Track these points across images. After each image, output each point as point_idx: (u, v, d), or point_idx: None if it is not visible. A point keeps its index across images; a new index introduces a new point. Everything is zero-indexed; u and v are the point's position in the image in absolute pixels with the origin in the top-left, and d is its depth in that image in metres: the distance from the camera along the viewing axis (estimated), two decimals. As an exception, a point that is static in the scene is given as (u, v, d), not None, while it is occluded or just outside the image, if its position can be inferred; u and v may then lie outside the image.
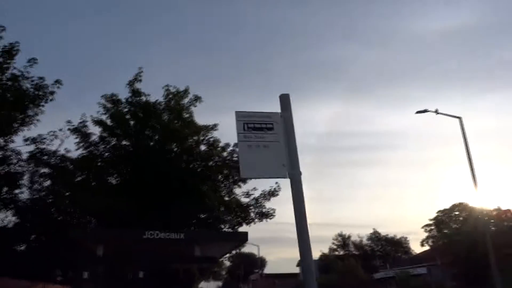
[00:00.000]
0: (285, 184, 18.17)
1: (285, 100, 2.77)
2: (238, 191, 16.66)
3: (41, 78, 10.80)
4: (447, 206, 54.12)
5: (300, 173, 2.61)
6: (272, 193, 16.59)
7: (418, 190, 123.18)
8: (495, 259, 19.85)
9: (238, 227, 17.35)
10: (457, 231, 41.62)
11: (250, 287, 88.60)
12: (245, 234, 4.37)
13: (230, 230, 18.01)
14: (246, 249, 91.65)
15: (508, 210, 54.04)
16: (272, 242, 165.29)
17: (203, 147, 16.51)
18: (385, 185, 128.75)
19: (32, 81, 10.60)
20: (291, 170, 2.63)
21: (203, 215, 16.28)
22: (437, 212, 55.07)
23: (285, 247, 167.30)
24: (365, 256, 55.47)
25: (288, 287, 63.34)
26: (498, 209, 52.19)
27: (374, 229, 74.36)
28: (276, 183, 16.56)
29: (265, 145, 2.66)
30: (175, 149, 16.16)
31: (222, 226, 17.63)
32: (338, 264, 40.15)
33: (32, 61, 10.51)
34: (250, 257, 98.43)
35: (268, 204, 16.82)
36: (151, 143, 15.89)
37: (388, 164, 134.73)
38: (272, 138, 2.70)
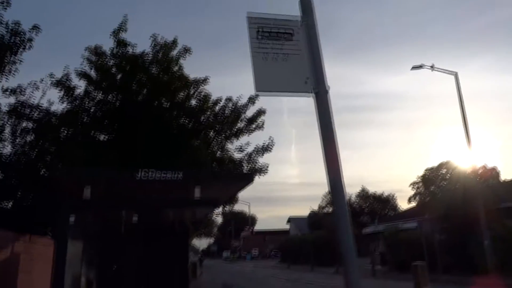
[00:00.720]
0: (278, 140, 17.82)
1: (306, 4, 2.26)
2: (230, 146, 16.29)
3: (16, 23, 9.91)
4: (435, 165, 55.23)
5: (327, 89, 2.15)
6: (266, 148, 16.24)
7: (408, 150, 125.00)
8: (484, 213, 20.21)
9: (230, 183, 17.14)
10: (445, 188, 42.53)
11: (241, 243, 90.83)
12: (250, 175, 3.89)
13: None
14: (237, 207, 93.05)
15: (493, 169, 55.19)
16: (262, 201, 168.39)
17: (193, 102, 15.90)
18: (376, 145, 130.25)
19: (7, 25, 9.72)
20: (316, 86, 2.17)
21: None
22: (425, 170, 56.23)
23: (275, 206, 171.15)
24: (353, 213, 56.57)
25: (278, 242, 64.89)
26: (484, 167, 53.20)
27: (362, 186, 75.87)
28: (270, 137, 16.23)
29: (284, 56, 2.18)
30: (164, 104, 15.52)
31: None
32: (328, 220, 40.84)
33: (5, 2, 9.57)
34: (241, 215, 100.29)
35: (261, 160, 16.55)
36: (139, 98, 15.21)
37: (379, 125, 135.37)
38: (292, 48, 2.21)
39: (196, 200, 3.53)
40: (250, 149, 16.43)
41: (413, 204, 53.68)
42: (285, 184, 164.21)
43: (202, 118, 15.74)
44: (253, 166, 16.60)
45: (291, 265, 43.63)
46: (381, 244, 36.09)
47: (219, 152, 16.23)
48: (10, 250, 5.00)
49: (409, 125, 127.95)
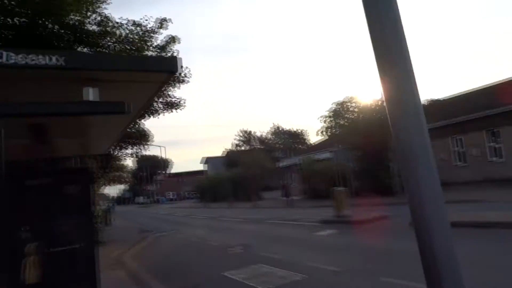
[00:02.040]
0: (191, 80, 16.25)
1: None
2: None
3: None
4: (341, 99, 57.83)
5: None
6: (182, 80, 14.68)
7: (317, 86, 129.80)
8: (391, 141, 21.38)
9: (140, 119, 15.49)
10: (353, 119, 44.87)
11: (156, 187, 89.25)
12: (172, 60, 2.63)
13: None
14: (151, 151, 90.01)
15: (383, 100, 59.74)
16: (175, 144, 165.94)
17: (91, 27, 13.48)
18: (281, 82, 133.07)
19: None
20: None
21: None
22: (332, 104, 58.75)
23: (189, 149, 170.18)
24: (268, 150, 57.94)
25: (194, 184, 64.74)
26: (382, 99, 56.80)
27: (273, 123, 77.69)
28: (187, 67, 14.64)
29: None
30: (53, 27, 12.90)
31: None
32: (244, 157, 41.10)
33: None
34: (155, 159, 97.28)
35: (177, 93, 15.14)
36: (20, 20, 12.40)
37: (286, 61, 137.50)
38: None
39: (90, 102, 2.26)
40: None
41: (322, 137, 56.30)
42: (198, 126, 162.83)
43: (102, 45, 13.51)
44: (167, 99, 15.10)
45: (209, 203, 43.82)
46: (294, 176, 37.50)
47: (125, 84, 14.35)
48: None
49: (321, 59, 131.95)
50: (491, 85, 28.71)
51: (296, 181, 37.65)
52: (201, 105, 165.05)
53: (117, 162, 19.03)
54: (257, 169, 38.09)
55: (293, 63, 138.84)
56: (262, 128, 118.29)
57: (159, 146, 71.36)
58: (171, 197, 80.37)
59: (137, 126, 15.54)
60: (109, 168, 17.76)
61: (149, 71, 2.47)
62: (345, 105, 57.10)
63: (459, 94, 32.14)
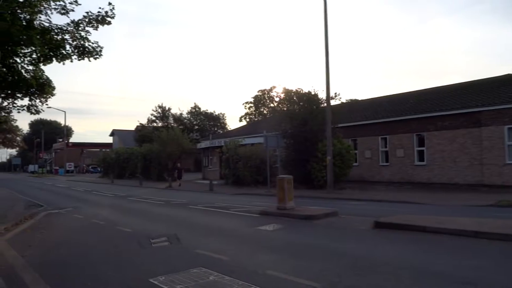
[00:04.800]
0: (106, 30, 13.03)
1: None
2: (46, 4, 10.91)
3: None
4: (268, 87, 56.87)
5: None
6: (102, 19, 11.48)
7: (243, 71, 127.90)
8: (327, 132, 20.29)
9: (45, 64, 11.99)
10: (278, 108, 43.87)
11: (53, 156, 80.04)
12: None
13: (31, 68, 12.46)
14: (50, 116, 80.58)
15: (309, 92, 60.67)
16: (79, 114, 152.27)
17: None
18: (209, 63, 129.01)
19: None
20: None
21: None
22: (258, 92, 57.46)
23: (95, 119, 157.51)
24: (185, 129, 54.77)
25: (97, 156, 59.02)
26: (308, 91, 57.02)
27: (195, 103, 74.49)
28: (110, 3, 11.40)
29: None
30: None
31: (18, 60, 11.93)
32: (160, 133, 37.61)
33: None
34: (54, 124, 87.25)
35: (94, 36, 11.90)
36: None
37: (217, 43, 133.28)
38: None
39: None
40: (78, 14, 11.52)
41: (245, 123, 54.95)
42: (106, 97, 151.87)
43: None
44: (81, 43, 11.80)
45: (115, 180, 39.60)
46: (216, 159, 35.29)
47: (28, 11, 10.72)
48: None
49: (257, 44, 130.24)
50: (417, 90, 29.42)
51: (215, 165, 35.43)
52: (113, 75, 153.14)
53: (3, 114, 14.91)
54: (174, 147, 35.00)
55: (218, 47, 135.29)
56: (180, 107, 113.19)
57: (59, 110, 63.93)
58: (70, 168, 72.58)
59: (32, 69, 12.03)
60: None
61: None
62: (267, 94, 56.51)
63: (380, 97, 32.57)
